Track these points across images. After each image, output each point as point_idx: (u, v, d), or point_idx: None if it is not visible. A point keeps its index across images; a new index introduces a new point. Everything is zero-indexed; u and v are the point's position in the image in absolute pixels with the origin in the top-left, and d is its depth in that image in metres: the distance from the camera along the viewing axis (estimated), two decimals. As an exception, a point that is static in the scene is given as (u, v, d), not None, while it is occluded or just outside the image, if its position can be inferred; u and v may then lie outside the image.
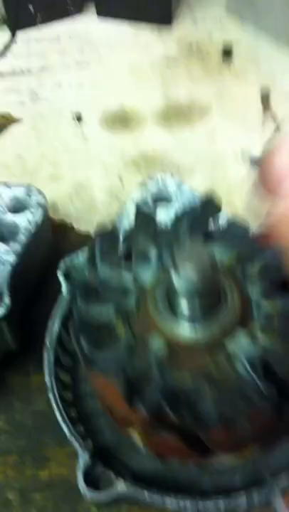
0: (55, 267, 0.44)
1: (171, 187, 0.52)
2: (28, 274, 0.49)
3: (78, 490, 0.45)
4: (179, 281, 0.29)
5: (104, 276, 0.34)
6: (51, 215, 0.60)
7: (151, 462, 0.36)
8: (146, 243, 0.36)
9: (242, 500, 0.33)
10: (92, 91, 0.69)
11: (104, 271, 0.34)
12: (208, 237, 0.36)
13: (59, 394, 0.38)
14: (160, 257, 0.35)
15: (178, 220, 0.38)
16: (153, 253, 0.35)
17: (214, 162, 0.61)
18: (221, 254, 0.35)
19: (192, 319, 0.31)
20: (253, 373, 0.29)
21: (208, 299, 0.31)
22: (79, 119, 0.67)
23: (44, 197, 0.50)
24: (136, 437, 0.35)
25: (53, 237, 0.55)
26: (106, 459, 0.35)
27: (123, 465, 0.36)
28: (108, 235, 0.36)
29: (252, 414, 0.29)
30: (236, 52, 0.71)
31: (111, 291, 0.33)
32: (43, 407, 0.48)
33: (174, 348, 0.31)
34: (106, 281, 0.34)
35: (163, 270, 0.34)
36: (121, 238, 0.36)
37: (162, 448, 0.34)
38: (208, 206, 0.37)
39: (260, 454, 0.35)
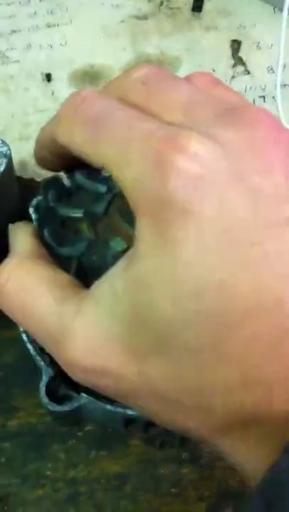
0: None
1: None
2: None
3: (47, 438, 0.45)
4: None
5: (79, 182, 0.34)
6: (21, 173, 0.59)
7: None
8: None
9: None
10: (62, 51, 0.68)
11: (80, 179, 0.34)
12: None
13: None
14: None
15: None
16: None
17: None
18: None
19: None
20: None
21: None
22: (49, 79, 0.66)
23: (9, 148, 0.49)
24: None
25: (22, 195, 0.55)
26: (69, 383, 0.36)
27: (86, 388, 0.36)
28: None
29: None
30: (207, 6, 0.70)
31: (83, 197, 0.33)
32: (11, 360, 0.47)
33: None
34: (81, 187, 0.33)
35: None
36: None
37: None
38: None
39: None
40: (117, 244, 0.32)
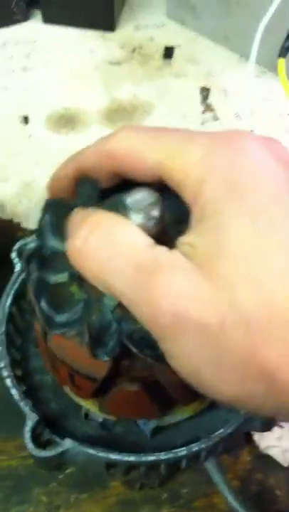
0: (3, 266, 0.44)
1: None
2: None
3: (28, 481, 0.45)
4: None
5: (55, 247, 0.33)
6: (-1, 215, 0.60)
7: (95, 429, 0.38)
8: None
9: (182, 453, 0.35)
10: (38, 95, 0.70)
11: (54, 243, 0.33)
12: None
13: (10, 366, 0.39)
14: None
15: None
16: None
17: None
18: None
19: None
20: None
21: None
22: (26, 121, 0.68)
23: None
24: (92, 405, 0.37)
25: (2, 235, 0.56)
26: (52, 426, 0.37)
27: (68, 432, 0.38)
28: (58, 207, 0.34)
29: None
30: (177, 54, 0.74)
31: (63, 261, 0.32)
32: (-9, 401, 0.48)
33: None
34: (58, 251, 0.33)
35: None
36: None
37: (122, 405, 0.35)
38: None
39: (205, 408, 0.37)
40: (110, 299, 0.31)
